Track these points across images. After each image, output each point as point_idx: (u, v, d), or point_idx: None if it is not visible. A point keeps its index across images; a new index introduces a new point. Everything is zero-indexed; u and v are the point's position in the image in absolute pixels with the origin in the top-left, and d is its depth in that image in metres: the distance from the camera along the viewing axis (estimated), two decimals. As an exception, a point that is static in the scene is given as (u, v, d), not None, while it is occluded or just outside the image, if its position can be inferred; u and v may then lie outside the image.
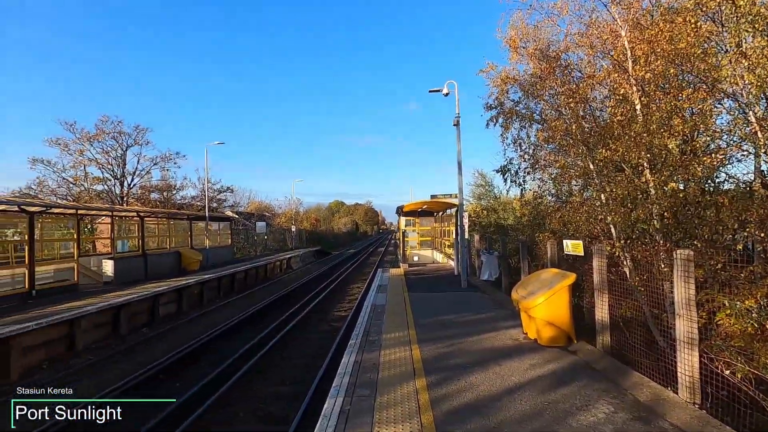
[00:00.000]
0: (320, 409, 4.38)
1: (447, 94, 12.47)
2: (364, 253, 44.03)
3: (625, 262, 6.87)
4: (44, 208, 13.13)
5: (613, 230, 7.35)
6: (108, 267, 15.42)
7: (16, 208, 12.05)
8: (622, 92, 7.24)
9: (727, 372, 4.07)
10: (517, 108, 10.80)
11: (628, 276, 6.49)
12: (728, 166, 5.97)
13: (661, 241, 6.34)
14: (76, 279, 13.59)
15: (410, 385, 4.84)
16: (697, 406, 4.05)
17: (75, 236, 14.27)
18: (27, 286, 11.63)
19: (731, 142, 5.89)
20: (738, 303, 3.99)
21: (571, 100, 8.26)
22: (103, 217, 18.32)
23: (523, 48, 10.04)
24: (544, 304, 6.17)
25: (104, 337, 10.85)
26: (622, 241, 7.05)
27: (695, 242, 5.82)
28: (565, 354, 5.92)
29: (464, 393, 4.58)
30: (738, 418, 3.76)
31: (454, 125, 12.51)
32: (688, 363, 4.14)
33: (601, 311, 5.92)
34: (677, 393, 4.30)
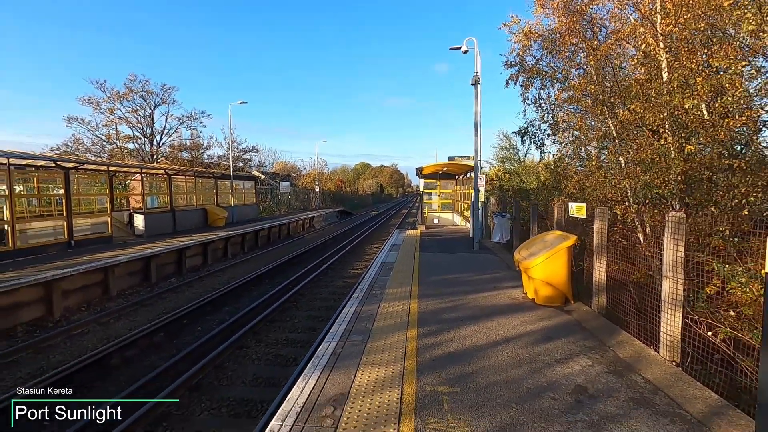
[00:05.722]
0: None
1: (466, 52, 12.02)
2: (387, 214, 44.50)
3: (638, 227, 6.78)
4: (78, 164, 13.92)
5: (629, 194, 7.20)
6: (139, 221, 16.39)
7: (53, 164, 12.89)
8: (647, 49, 6.88)
9: (710, 333, 4.13)
10: (539, 66, 10.35)
11: (641, 241, 6.42)
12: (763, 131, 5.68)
13: (677, 206, 6.20)
14: (110, 231, 14.58)
15: (401, 334, 5.13)
16: (674, 364, 4.15)
17: (108, 191, 15.13)
18: (66, 237, 12.62)
19: (762, 105, 5.59)
20: (739, 269, 3.94)
21: (591, 57, 7.91)
22: (136, 175, 19.20)
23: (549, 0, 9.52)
24: (542, 265, 6.26)
25: (136, 285, 11.78)
26: (637, 206, 6.92)
27: (712, 208, 5.66)
28: (560, 313, 6.05)
29: (450, 343, 4.83)
30: (713, 376, 3.84)
31: (472, 84, 12.14)
32: (670, 323, 4.19)
33: (599, 273, 5.95)
34: (658, 351, 4.39)
